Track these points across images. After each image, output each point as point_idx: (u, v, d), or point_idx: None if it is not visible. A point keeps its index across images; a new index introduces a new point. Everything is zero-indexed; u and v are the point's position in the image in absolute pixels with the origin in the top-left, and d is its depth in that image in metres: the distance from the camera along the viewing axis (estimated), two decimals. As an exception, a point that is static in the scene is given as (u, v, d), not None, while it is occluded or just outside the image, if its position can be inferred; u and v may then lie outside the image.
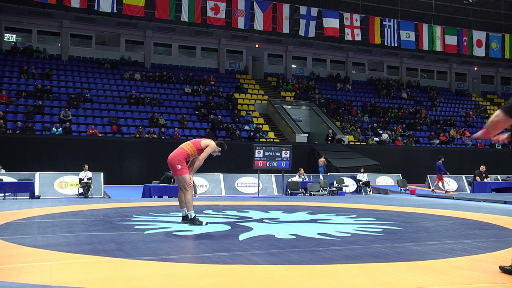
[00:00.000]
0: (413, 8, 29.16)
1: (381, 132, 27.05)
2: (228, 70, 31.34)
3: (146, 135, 20.38)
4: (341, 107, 28.97)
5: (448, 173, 19.03)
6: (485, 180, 18.66)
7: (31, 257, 4.36)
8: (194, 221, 6.63)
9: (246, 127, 24.41)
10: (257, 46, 31.88)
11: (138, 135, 20.38)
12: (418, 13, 29.14)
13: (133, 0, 21.05)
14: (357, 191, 18.95)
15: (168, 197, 13.80)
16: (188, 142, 7.04)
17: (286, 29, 23.61)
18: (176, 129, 22.07)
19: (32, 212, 8.45)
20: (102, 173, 16.34)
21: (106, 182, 16.72)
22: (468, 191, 19.59)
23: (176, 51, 30.55)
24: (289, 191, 16.50)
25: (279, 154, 16.07)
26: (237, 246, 4.99)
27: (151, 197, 13.63)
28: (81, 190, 15.39)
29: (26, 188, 13.91)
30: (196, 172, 7.53)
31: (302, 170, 18.03)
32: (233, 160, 18.74)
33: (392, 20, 25.61)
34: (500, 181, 19.53)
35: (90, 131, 20.08)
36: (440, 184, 18.66)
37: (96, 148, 19.14)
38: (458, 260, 4.40)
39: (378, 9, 28.21)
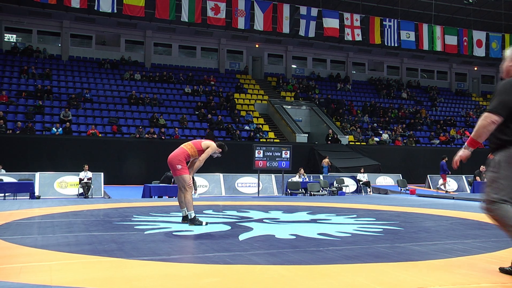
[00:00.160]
0: (413, 8, 29.16)
1: (381, 132, 27.05)
2: (228, 70, 31.34)
3: (146, 135, 20.38)
4: (342, 107, 28.98)
5: (449, 173, 19.03)
6: (485, 180, 18.62)
7: (31, 257, 4.35)
8: (194, 221, 6.63)
9: (246, 127, 24.41)
10: (257, 46, 31.89)
11: (138, 135, 20.38)
12: (418, 13, 29.14)
13: (133, 0, 21.06)
14: (357, 191, 18.95)
15: (168, 197, 13.80)
16: (189, 142, 7.04)
17: (286, 29, 23.63)
18: (176, 129, 22.07)
19: (32, 212, 8.45)
20: (102, 173, 16.34)
21: (106, 182, 16.72)
22: (468, 191, 19.59)
23: (176, 51, 30.55)
24: (289, 191, 16.50)
25: (279, 154, 16.08)
26: (237, 246, 4.99)
27: (151, 197, 13.63)
28: (81, 190, 15.39)
29: (26, 188, 13.91)
30: (196, 172, 7.53)
31: (302, 170, 18.03)
32: (233, 160, 18.73)
33: (392, 20, 25.62)
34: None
35: (90, 131, 20.08)
36: (441, 183, 18.66)
37: (96, 148, 19.15)
38: (458, 260, 4.40)
39: (378, 9, 28.21)
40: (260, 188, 17.00)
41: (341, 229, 6.50)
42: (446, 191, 18.64)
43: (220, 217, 7.87)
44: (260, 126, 24.97)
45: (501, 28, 29.33)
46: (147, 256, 4.40)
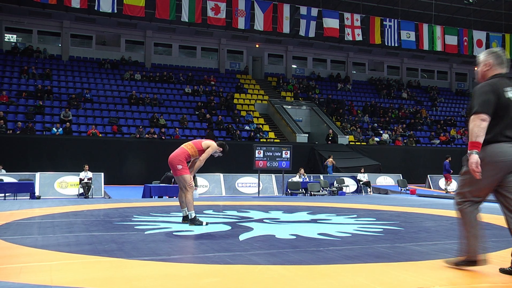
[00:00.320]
0: (413, 8, 29.15)
1: (381, 132, 27.05)
2: (228, 70, 31.33)
3: (147, 135, 20.39)
4: (342, 107, 28.98)
5: (451, 172, 19.03)
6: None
7: (31, 257, 4.36)
8: (194, 221, 6.63)
9: (247, 127, 24.41)
10: (257, 46, 31.88)
11: (138, 135, 20.38)
12: (418, 13, 29.13)
13: (133, 0, 21.05)
14: (358, 191, 18.95)
15: (169, 197, 13.81)
16: (189, 142, 7.05)
17: (286, 29, 23.61)
18: (176, 129, 22.07)
19: (33, 212, 8.46)
20: (102, 173, 16.35)
21: (107, 182, 16.73)
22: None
23: (176, 51, 30.56)
24: (289, 191, 16.50)
25: (279, 154, 16.09)
26: (238, 246, 4.99)
27: (152, 197, 13.64)
28: (81, 190, 15.40)
29: (26, 188, 13.92)
30: (196, 172, 7.53)
31: (302, 170, 18.03)
32: (233, 160, 18.73)
33: (392, 20, 25.60)
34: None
35: (91, 131, 20.08)
36: (443, 183, 18.67)
37: (96, 148, 19.15)
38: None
39: (379, 9, 28.20)
40: (260, 188, 17.01)
41: (341, 229, 6.50)
42: (446, 191, 18.65)
43: (220, 217, 7.87)
44: (260, 126, 24.97)
45: (501, 28, 29.32)
46: (147, 256, 4.40)
